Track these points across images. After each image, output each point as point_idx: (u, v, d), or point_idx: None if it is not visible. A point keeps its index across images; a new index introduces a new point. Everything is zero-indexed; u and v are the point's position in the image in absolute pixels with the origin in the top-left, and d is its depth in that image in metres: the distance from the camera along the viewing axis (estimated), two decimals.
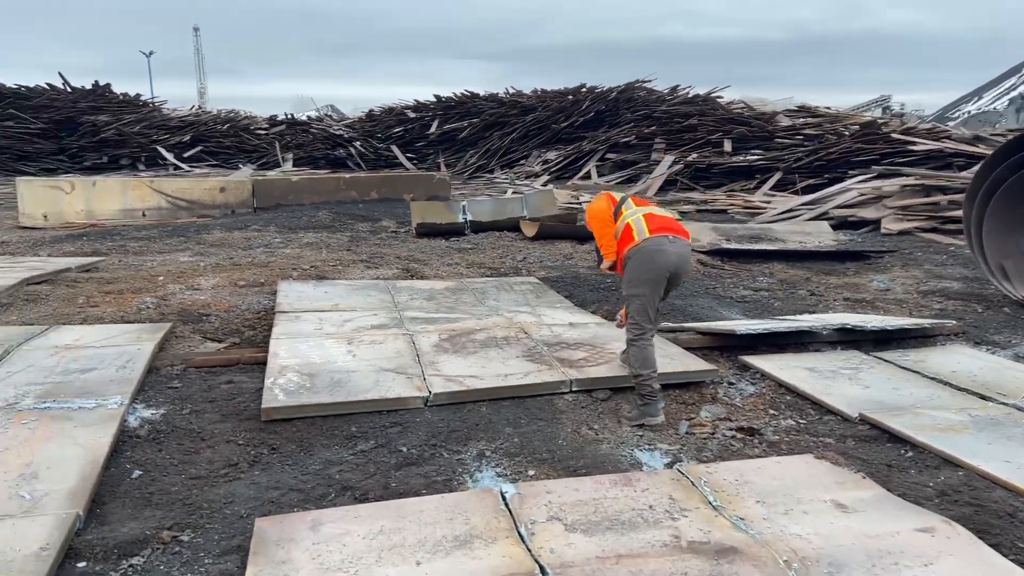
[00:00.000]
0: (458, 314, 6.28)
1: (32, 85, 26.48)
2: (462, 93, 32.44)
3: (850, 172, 16.71)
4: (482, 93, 32.37)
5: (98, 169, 24.16)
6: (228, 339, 5.83)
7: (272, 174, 21.50)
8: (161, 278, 7.88)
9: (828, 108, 23.01)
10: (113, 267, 8.51)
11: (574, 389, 4.53)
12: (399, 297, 6.94)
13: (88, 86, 27.36)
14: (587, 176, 23.48)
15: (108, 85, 27.81)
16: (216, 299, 6.96)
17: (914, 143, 16.62)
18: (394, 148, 30.36)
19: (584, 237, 11.21)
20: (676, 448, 3.82)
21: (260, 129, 30.18)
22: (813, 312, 6.81)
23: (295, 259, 9.15)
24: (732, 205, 15.80)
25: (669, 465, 3.60)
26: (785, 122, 21.91)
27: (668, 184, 19.75)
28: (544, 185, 22.71)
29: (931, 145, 16.32)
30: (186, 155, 26.21)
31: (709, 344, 5.62)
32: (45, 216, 11.83)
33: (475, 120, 30.22)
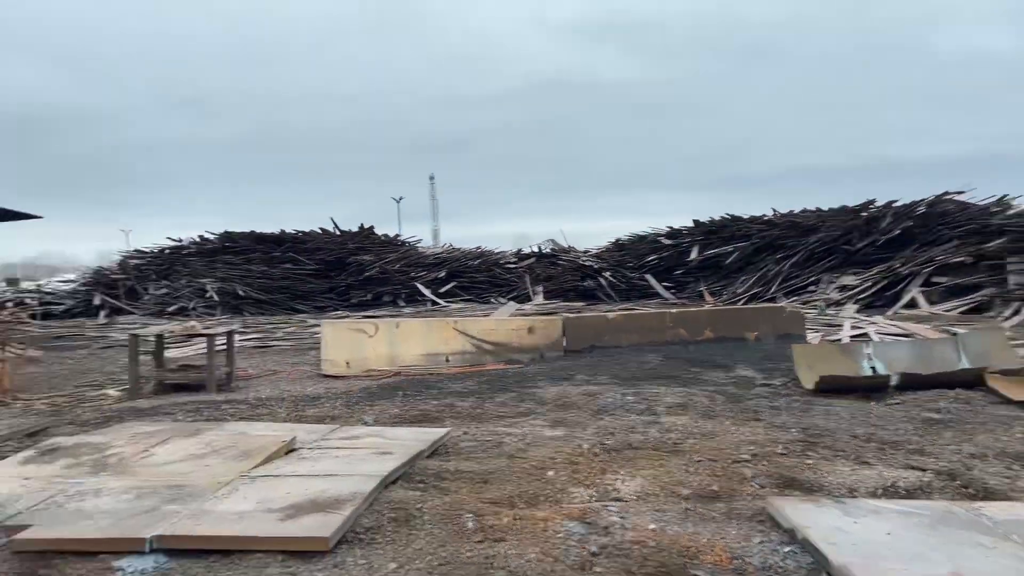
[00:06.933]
0: None
1: (308, 230, 27.32)
2: (723, 216, 29.72)
3: None
4: (745, 216, 29.42)
5: (364, 306, 23.93)
6: None
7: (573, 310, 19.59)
8: (551, 473, 5.31)
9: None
10: (467, 446, 6.12)
11: None
12: None
13: (354, 229, 27.80)
14: (911, 304, 19.31)
15: (372, 227, 28.19)
16: (676, 532, 4.16)
17: None
18: (648, 277, 28.06)
19: None
20: None
21: (509, 263, 29.42)
22: None
23: (706, 438, 6.30)
24: None
25: None
26: None
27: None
28: (859, 313, 18.86)
29: None
30: (441, 290, 25.58)
31: None
32: (347, 363, 10.13)
33: (742, 244, 27.15)
